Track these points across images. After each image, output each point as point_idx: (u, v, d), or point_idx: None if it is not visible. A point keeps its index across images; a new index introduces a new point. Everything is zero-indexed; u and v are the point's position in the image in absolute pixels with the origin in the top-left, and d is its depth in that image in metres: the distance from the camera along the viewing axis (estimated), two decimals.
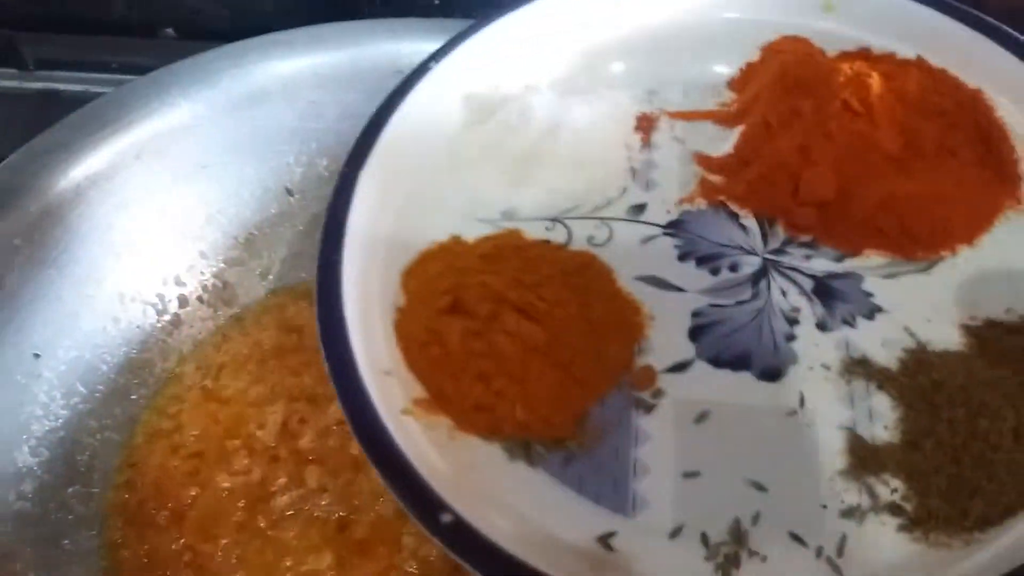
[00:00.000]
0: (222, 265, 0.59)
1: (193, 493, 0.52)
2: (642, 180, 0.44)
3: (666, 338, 0.39)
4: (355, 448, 0.53)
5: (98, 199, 0.51)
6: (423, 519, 0.31)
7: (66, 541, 0.50)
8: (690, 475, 0.34)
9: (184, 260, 0.57)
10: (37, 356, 0.50)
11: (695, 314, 0.39)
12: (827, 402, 0.36)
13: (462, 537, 0.31)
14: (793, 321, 0.38)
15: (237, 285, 0.59)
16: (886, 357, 0.36)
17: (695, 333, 0.39)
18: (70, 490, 0.51)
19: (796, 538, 0.33)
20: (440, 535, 0.31)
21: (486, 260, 0.42)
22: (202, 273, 0.58)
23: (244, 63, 0.54)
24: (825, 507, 0.33)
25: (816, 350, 0.37)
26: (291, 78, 0.56)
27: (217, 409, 0.56)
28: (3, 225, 0.47)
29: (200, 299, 0.58)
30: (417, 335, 0.39)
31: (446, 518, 0.31)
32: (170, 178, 0.54)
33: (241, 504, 0.52)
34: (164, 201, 0.55)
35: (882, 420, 0.35)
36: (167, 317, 0.57)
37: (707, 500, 0.34)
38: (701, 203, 0.44)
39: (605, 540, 0.33)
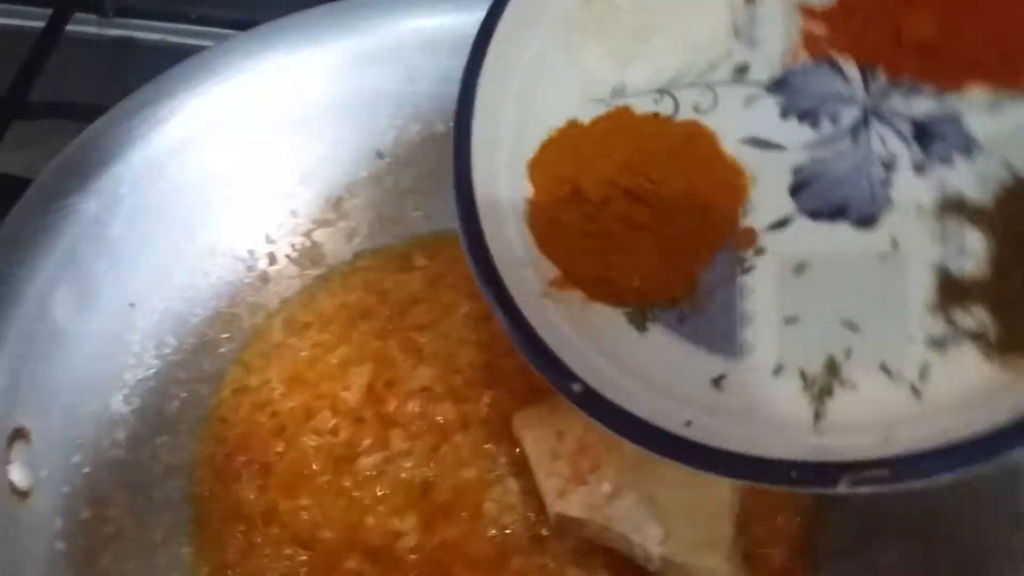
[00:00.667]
0: (311, 225, 0.59)
1: (279, 450, 0.53)
2: (746, 38, 0.44)
3: (768, 197, 0.41)
4: (440, 413, 0.54)
5: (198, 152, 0.51)
6: (561, 389, 0.38)
7: (155, 490, 0.50)
8: (790, 320, 0.38)
9: (275, 218, 0.57)
10: (132, 306, 0.50)
11: (795, 171, 0.41)
12: (919, 242, 0.37)
13: (593, 402, 0.37)
14: (890, 167, 0.39)
15: (325, 245, 0.59)
16: (982, 194, 0.37)
17: (796, 189, 0.40)
18: (159, 440, 0.51)
19: (883, 368, 0.36)
20: (576, 403, 0.38)
21: (599, 143, 0.44)
22: (292, 232, 0.58)
23: (351, 22, 0.54)
24: (911, 339, 0.36)
25: (912, 193, 0.38)
26: (395, 40, 0.55)
27: (303, 368, 0.56)
28: (110, 174, 0.47)
29: (288, 257, 0.58)
30: (544, 223, 0.43)
31: (576, 388, 0.38)
32: (269, 134, 0.54)
33: (326, 463, 0.52)
34: (260, 158, 0.54)
35: (973, 255, 0.36)
36: (256, 273, 0.57)
37: (805, 340, 0.38)
38: (806, 58, 0.43)
39: (717, 382, 0.38)
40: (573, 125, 0.45)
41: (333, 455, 0.53)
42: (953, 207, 0.37)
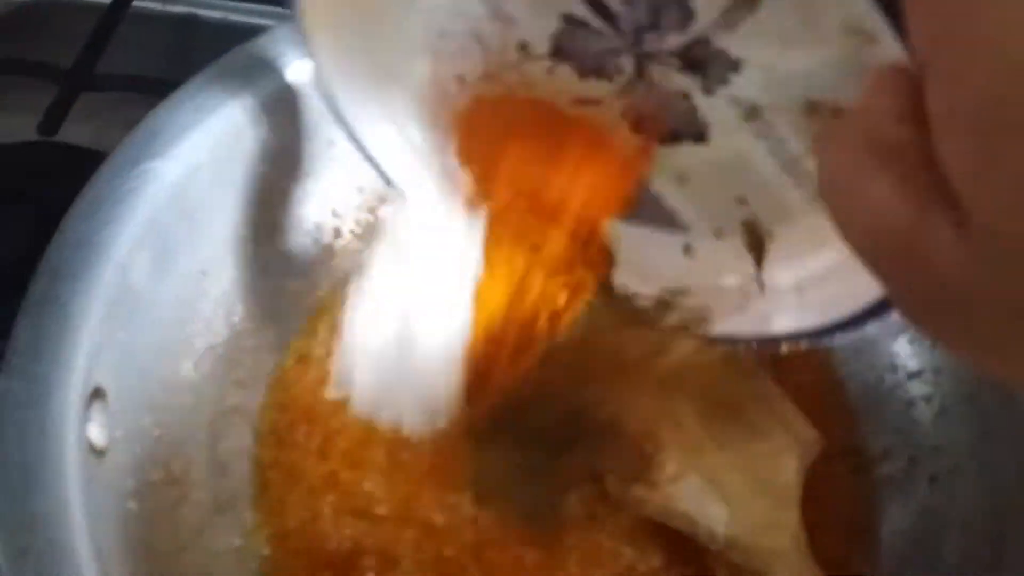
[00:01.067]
0: (376, 201, 0.59)
1: (341, 420, 0.53)
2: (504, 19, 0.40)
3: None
4: None
5: (275, 124, 0.52)
6: None
7: (221, 454, 0.51)
8: (703, 205, 0.43)
9: (342, 193, 0.58)
10: (204, 274, 0.51)
11: (623, 115, 0.41)
12: (747, 142, 0.38)
13: None
14: (688, 96, 0.39)
15: (388, 220, 0.60)
16: (768, 96, 0.37)
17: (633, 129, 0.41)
18: (225, 406, 0.52)
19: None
20: None
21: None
22: (357, 207, 0.59)
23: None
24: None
25: (716, 112, 0.38)
26: None
27: None
28: (191, 141, 0.48)
29: (353, 232, 0.59)
30: None
31: None
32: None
33: (387, 438, 0.53)
34: (331, 135, 0.55)
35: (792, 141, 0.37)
36: (321, 247, 0.58)
37: (722, 215, 0.42)
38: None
39: (687, 249, 0.44)
40: None
41: (395, 431, 0.53)
42: (753, 113, 0.38)
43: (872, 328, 0.55)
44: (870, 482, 0.52)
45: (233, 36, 0.54)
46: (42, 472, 0.39)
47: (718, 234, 0.42)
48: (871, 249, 0.24)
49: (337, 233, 0.58)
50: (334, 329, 0.57)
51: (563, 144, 0.42)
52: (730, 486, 0.47)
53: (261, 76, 0.52)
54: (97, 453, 0.42)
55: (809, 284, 0.40)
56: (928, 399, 0.52)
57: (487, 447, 0.52)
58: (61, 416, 0.40)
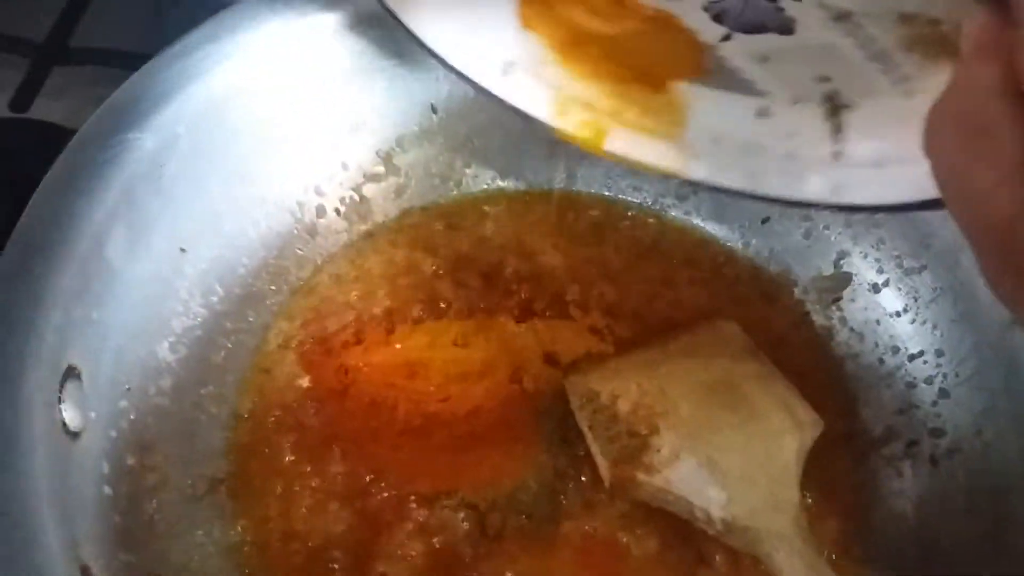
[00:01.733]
0: (361, 179, 0.57)
1: (322, 408, 0.52)
2: None
3: (702, 26, 0.42)
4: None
5: (254, 96, 0.50)
6: None
7: (199, 440, 0.49)
8: (782, 78, 0.42)
9: (325, 170, 0.56)
10: (183, 251, 0.49)
11: (706, 9, 0.41)
12: (834, 38, 0.39)
13: None
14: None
15: (373, 201, 0.58)
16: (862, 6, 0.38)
17: (717, 19, 0.41)
18: (204, 390, 0.50)
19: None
20: None
21: None
22: (341, 185, 0.57)
23: None
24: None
25: (804, 13, 0.39)
26: None
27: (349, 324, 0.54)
28: (169, 110, 0.46)
29: (337, 211, 0.57)
30: None
31: None
32: (322, 82, 0.53)
33: (366, 420, 0.51)
34: (314, 107, 0.53)
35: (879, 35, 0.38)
36: (304, 226, 0.56)
37: (802, 87, 0.42)
38: None
39: (762, 112, 0.43)
40: None
41: (375, 413, 0.52)
42: (843, 16, 0.39)
43: (872, 309, 0.55)
44: (869, 465, 0.51)
45: (210, 6, 0.52)
46: (11, 452, 0.36)
47: (796, 100, 0.42)
48: (977, 235, 0.25)
49: (320, 212, 0.56)
50: (315, 312, 0.55)
51: None
52: (728, 468, 0.46)
53: (241, 45, 0.50)
54: (71, 435, 0.40)
55: (890, 160, 0.39)
56: (929, 381, 0.51)
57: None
58: (33, 395, 0.38)
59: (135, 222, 0.45)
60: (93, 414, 0.42)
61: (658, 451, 0.47)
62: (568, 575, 0.47)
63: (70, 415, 0.40)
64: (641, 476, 0.46)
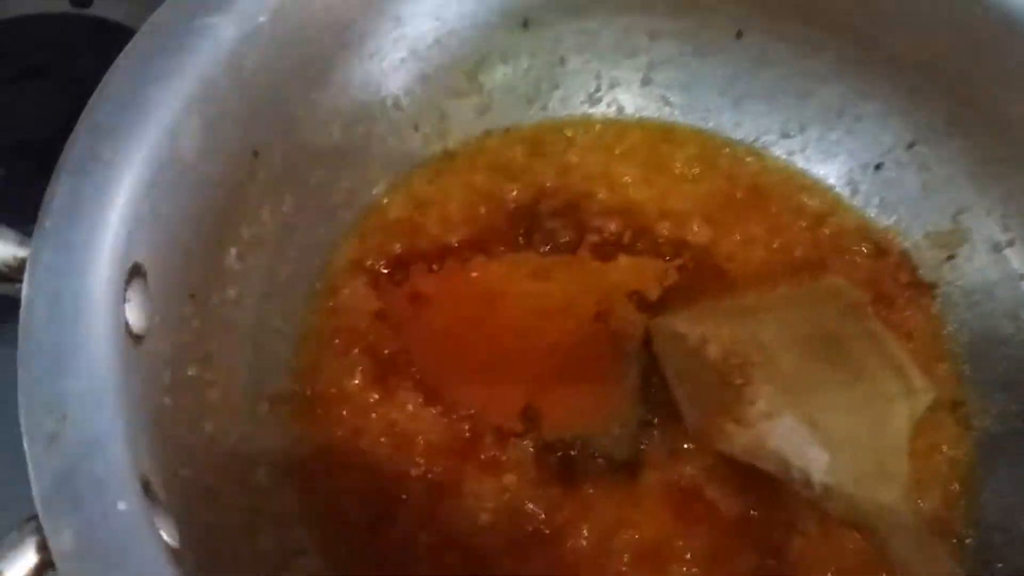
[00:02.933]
0: (442, 94, 0.53)
1: (387, 331, 0.48)
2: None
3: None
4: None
5: None
6: None
7: (262, 356, 0.47)
8: None
9: (405, 79, 0.52)
10: (256, 155, 0.45)
11: None
12: None
13: None
14: None
15: (453, 118, 0.54)
16: None
17: None
18: (268, 305, 0.47)
19: None
20: None
21: None
22: (421, 99, 0.53)
23: None
24: None
25: None
26: None
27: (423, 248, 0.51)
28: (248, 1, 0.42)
29: (415, 127, 0.53)
30: None
31: None
32: None
33: (433, 347, 0.48)
34: (400, 9, 0.49)
35: None
36: (380, 140, 0.52)
37: None
38: None
39: None
40: None
41: (448, 343, 0.48)
42: None
43: (991, 269, 0.51)
44: (976, 440, 0.47)
45: None
46: (75, 352, 0.33)
47: None
48: None
49: (397, 127, 0.53)
50: (388, 232, 0.52)
51: None
52: (832, 430, 0.42)
53: None
54: (134, 338, 0.37)
55: None
56: None
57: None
58: (97, 291, 0.35)
59: (212, 116, 0.41)
60: (157, 318, 0.39)
61: (752, 403, 0.43)
62: (647, 527, 0.44)
63: (135, 316, 0.37)
64: (732, 428, 0.43)
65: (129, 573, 0.30)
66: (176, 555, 0.33)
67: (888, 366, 0.44)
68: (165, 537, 0.33)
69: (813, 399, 0.43)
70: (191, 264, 0.42)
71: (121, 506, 0.31)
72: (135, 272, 0.37)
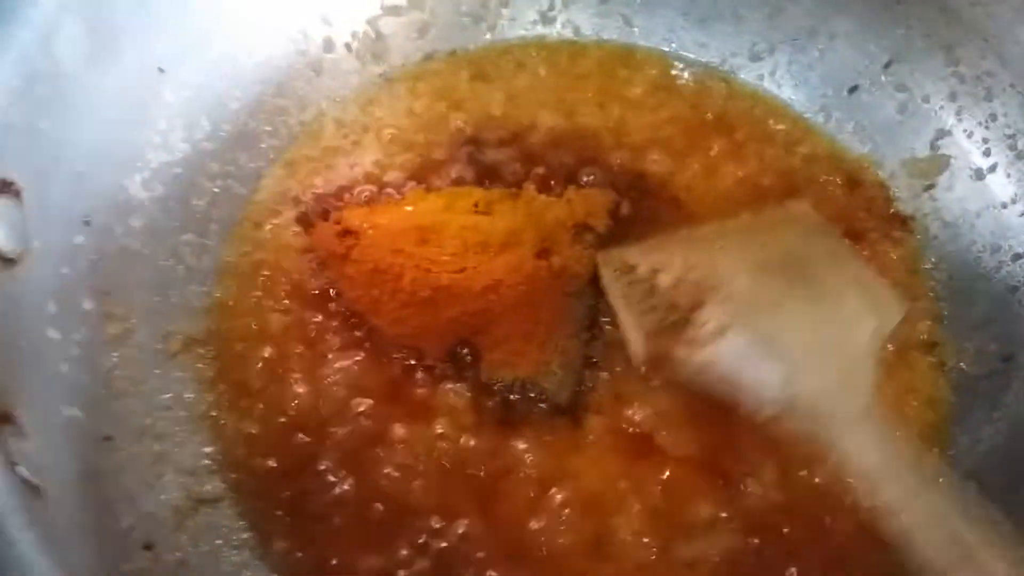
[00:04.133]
0: (378, 11, 0.49)
1: (314, 265, 0.45)
2: None
3: None
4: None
5: None
6: None
7: (173, 292, 0.43)
8: None
9: None
10: (161, 71, 0.42)
11: None
12: None
13: None
14: None
15: (391, 39, 0.50)
16: None
17: None
18: (183, 237, 0.44)
19: None
20: None
21: None
22: (354, 15, 0.49)
23: None
24: None
25: None
26: None
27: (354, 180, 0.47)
28: None
29: (348, 47, 0.49)
30: None
31: None
32: None
33: (370, 280, 0.44)
34: None
35: None
36: (308, 60, 0.48)
37: None
38: None
39: None
40: None
41: (378, 280, 0.44)
42: None
43: (972, 198, 0.47)
44: (952, 381, 0.43)
45: None
46: None
47: None
48: None
49: (328, 46, 0.49)
50: (317, 162, 0.48)
51: None
52: (791, 345, 0.38)
53: None
54: (3, 261, 0.33)
55: None
56: None
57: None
58: None
59: (95, 21, 0.37)
60: (37, 243, 0.35)
61: (703, 325, 0.39)
62: (592, 476, 0.40)
63: (4, 237, 0.33)
64: (681, 351, 0.39)
65: None
66: (34, 491, 0.30)
67: (852, 283, 0.40)
68: (23, 473, 0.30)
69: (772, 318, 0.39)
70: (85, 189, 0.39)
71: None
72: (4, 188, 0.34)
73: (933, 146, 0.48)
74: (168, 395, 0.41)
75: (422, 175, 0.47)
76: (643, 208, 0.47)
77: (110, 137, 0.40)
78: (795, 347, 0.37)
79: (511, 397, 0.42)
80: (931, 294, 0.46)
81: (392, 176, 0.47)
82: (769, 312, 0.38)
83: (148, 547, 0.37)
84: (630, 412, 0.42)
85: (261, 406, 0.42)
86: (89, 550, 0.32)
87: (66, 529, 0.31)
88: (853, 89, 0.49)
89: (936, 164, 0.47)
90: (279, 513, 0.40)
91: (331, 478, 0.41)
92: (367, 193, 0.47)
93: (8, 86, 0.33)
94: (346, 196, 0.47)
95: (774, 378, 0.37)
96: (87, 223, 0.39)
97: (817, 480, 0.39)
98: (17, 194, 0.34)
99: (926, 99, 0.48)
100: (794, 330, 0.38)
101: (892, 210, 0.48)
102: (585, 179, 0.48)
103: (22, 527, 0.28)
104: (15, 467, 0.29)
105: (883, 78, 0.48)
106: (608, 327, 0.43)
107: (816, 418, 0.36)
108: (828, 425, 0.36)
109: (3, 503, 0.28)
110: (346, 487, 0.40)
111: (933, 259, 0.47)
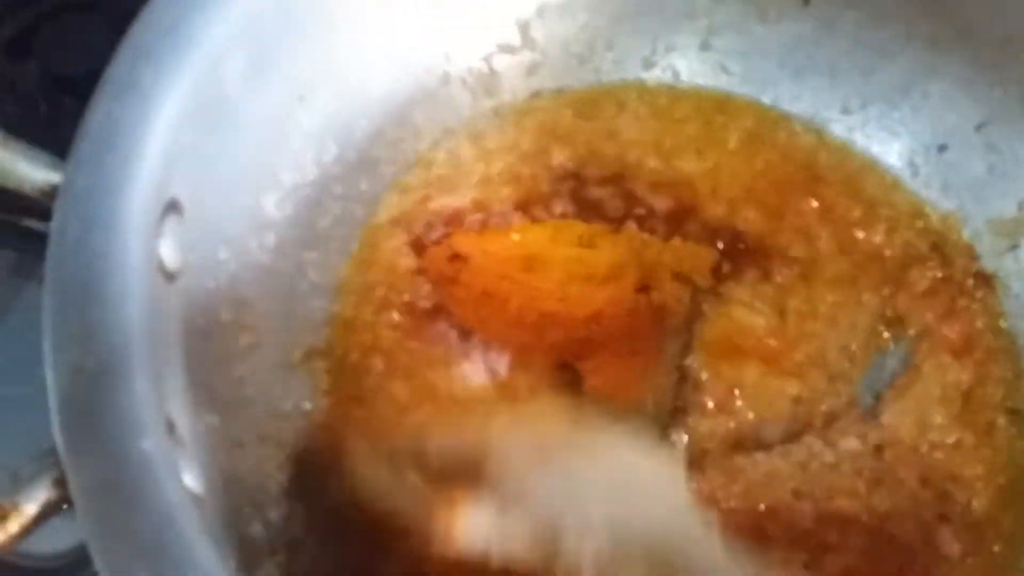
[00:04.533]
0: (493, 48, 0.52)
1: (425, 289, 0.47)
2: None
3: None
4: None
5: None
6: None
7: (298, 305, 0.45)
8: None
9: (458, 34, 0.50)
10: (301, 99, 0.44)
11: None
12: None
13: None
14: None
15: (503, 75, 0.52)
16: None
17: None
18: (308, 255, 0.46)
19: None
20: None
21: None
22: (471, 54, 0.51)
23: None
24: None
25: None
26: None
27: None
28: None
29: (463, 82, 0.51)
30: None
31: None
32: None
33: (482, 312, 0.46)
34: None
35: None
36: (427, 93, 0.50)
37: None
38: None
39: None
40: None
41: (486, 303, 0.47)
42: None
43: None
44: None
45: None
46: (104, 283, 0.32)
47: None
48: None
49: (445, 80, 0.51)
50: (431, 191, 0.50)
51: None
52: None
53: None
54: (167, 275, 0.36)
55: None
56: None
57: None
58: (132, 222, 0.33)
59: (257, 52, 0.40)
60: (193, 257, 0.38)
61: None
62: None
63: (169, 253, 0.36)
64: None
65: (148, 515, 0.29)
66: (197, 501, 0.32)
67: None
68: (187, 482, 0.32)
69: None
70: (230, 205, 0.41)
71: (145, 445, 0.30)
72: (171, 207, 0.36)
73: (1020, 207, 0.49)
74: (289, 402, 0.43)
75: (526, 206, 0.50)
76: (740, 266, 0.49)
77: (254, 158, 0.42)
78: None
79: None
80: (1009, 354, 0.48)
81: (498, 206, 0.50)
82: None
83: (273, 553, 0.39)
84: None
85: (371, 416, 0.44)
86: (232, 556, 0.34)
87: (217, 535, 0.33)
88: (942, 147, 0.51)
89: (1022, 226, 0.49)
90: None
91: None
92: (476, 221, 0.49)
93: (184, 112, 0.36)
94: (456, 223, 0.49)
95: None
96: (229, 239, 0.41)
97: None
98: (181, 212, 0.37)
99: (1016, 161, 0.49)
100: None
101: (976, 269, 0.50)
102: (683, 228, 0.50)
103: (199, 531, 0.29)
104: (181, 476, 0.31)
105: (974, 139, 0.50)
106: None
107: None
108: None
109: (181, 511, 0.30)
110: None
111: (1013, 319, 0.48)
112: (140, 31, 0.36)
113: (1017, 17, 0.46)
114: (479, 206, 0.49)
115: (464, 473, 0.36)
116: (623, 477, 0.36)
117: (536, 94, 0.53)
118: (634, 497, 0.35)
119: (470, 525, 0.34)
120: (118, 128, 0.34)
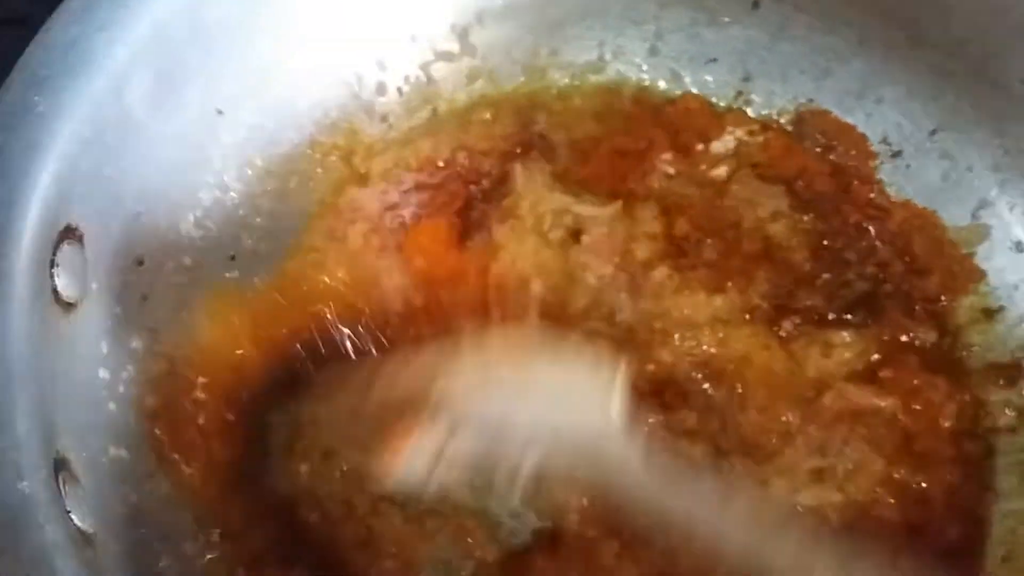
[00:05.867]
0: (430, 56, 0.50)
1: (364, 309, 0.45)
2: None
3: None
4: None
5: None
6: None
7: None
8: None
9: (392, 41, 0.49)
10: (220, 113, 0.43)
11: None
12: None
13: None
14: None
15: (441, 83, 0.50)
16: None
17: None
18: (229, 275, 0.44)
19: None
20: None
21: None
22: (407, 61, 0.49)
23: None
24: None
25: None
26: None
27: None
28: None
29: (399, 91, 0.50)
30: None
31: None
32: None
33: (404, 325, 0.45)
34: None
35: None
36: (360, 103, 0.49)
37: None
38: None
39: None
40: None
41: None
42: None
43: (1013, 270, 0.47)
44: (988, 462, 0.44)
45: None
46: None
47: None
48: None
49: (381, 89, 0.49)
50: (364, 205, 0.48)
51: None
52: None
53: None
54: (64, 305, 0.34)
55: None
56: None
57: None
58: (19, 254, 0.32)
59: (165, 70, 0.38)
60: (95, 285, 0.36)
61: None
62: None
63: (65, 282, 0.34)
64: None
65: (21, 558, 0.28)
66: (86, 539, 0.31)
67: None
68: (76, 521, 0.31)
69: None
70: (140, 230, 0.40)
71: (23, 487, 0.29)
72: (68, 234, 0.35)
73: (974, 215, 0.48)
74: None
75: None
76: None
77: (168, 179, 0.41)
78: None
79: None
80: (964, 364, 0.46)
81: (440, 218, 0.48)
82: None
83: None
84: None
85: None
86: None
87: (112, 572, 0.32)
88: (897, 154, 0.49)
89: (976, 233, 0.48)
90: None
91: None
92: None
93: (80, 136, 0.34)
94: (395, 236, 0.47)
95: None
96: (141, 263, 0.40)
97: None
98: (80, 239, 0.35)
99: (970, 168, 0.48)
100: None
101: None
102: None
103: (80, 571, 0.28)
104: (69, 515, 0.30)
105: (928, 145, 0.49)
106: None
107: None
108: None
109: (59, 554, 0.29)
110: None
111: (971, 329, 0.47)
112: (36, 53, 0.35)
113: (967, 25, 0.44)
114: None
115: (411, 402, 0.37)
116: (560, 396, 0.38)
117: (478, 101, 0.51)
118: (568, 414, 0.38)
119: (417, 452, 0.36)
120: (8, 158, 0.33)
